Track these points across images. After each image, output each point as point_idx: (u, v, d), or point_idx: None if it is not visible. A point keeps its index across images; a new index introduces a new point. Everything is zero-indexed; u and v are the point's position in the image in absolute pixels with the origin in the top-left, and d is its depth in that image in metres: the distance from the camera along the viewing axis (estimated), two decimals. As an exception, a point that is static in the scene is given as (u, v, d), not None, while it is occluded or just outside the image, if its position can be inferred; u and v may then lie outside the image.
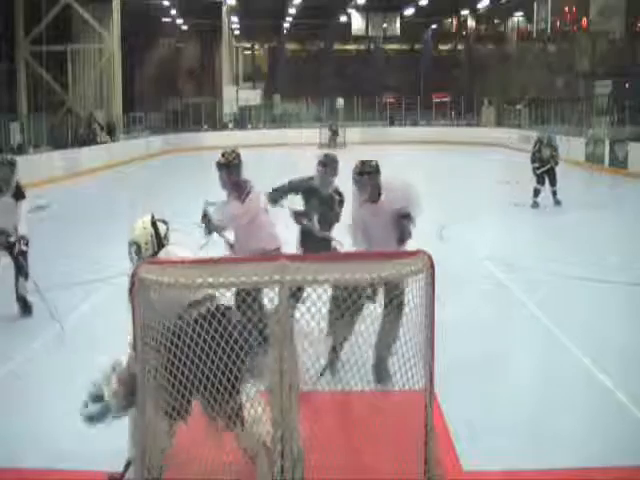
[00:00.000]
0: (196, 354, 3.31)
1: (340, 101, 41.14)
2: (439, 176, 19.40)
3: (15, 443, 4.57)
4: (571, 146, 23.73)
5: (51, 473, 4.26)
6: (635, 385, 5.25)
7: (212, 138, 33.95)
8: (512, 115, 37.09)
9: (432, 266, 3.34)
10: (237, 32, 45.25)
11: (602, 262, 9.24)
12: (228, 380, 3.32)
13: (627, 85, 31.67)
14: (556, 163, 14.15)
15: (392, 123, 38.84)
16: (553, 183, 14.24)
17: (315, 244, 6.45)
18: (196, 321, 3.44)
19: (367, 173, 5.47)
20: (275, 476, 3.19)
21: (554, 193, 14.23)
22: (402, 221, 5.44)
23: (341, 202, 6.67)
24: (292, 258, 3.12)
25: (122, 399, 3.69)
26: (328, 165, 6.64)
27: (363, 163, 5.55)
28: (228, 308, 3.58)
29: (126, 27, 30.14)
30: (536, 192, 14.20)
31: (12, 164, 7.52)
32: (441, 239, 10.76)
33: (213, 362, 3.29)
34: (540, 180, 14.23)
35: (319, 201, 6.72)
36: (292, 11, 41.57)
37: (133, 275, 3.26)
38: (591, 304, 7.48)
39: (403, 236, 5.45)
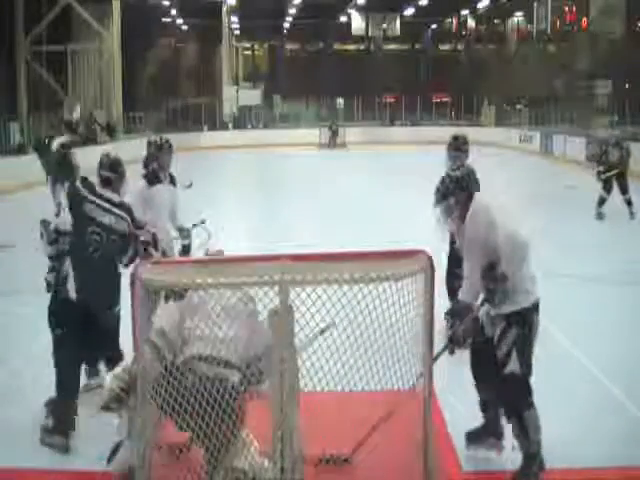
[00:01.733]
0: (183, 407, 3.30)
1: (340, 101, 41.14)
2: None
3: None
4: (571, 146, 23.77)
5: (51, 473, 4.26)
6: (635, 385, 5.26)
7: (212, 138, 33.96)
8: (512, 115, 37.09)
9: (432, 266, 3.35)
10: (237, 32, 45.27)
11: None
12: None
13: (627, 85, 31.70)
14: (625, 168, 12.56)
15: (392, 123, 38.86)
16: (625, 190, 12.57)
17: None
18: (194, 383, 3.38)
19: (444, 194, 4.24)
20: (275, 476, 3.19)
21: (628, 202, 12.55)
22: (485, 277, 4.00)
23: (474, 182, 6.11)
24: (292, 258, 3.12)
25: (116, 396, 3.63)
26: (458, 147, 6.33)
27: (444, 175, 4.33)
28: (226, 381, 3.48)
29: (126, 27, 30.14)
30: (602, 201, 12.59)
31: (171, 146, 6.54)
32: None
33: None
34: (607, 186, 12.55)
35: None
36: (292, 11, 41.58)
37: (133, 275, 3.26)
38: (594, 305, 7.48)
39: (486, 295, 4.04)
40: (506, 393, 4.08)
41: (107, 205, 4.70)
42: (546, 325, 6.72)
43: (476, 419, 4.44)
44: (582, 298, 7.74)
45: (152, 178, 6.33)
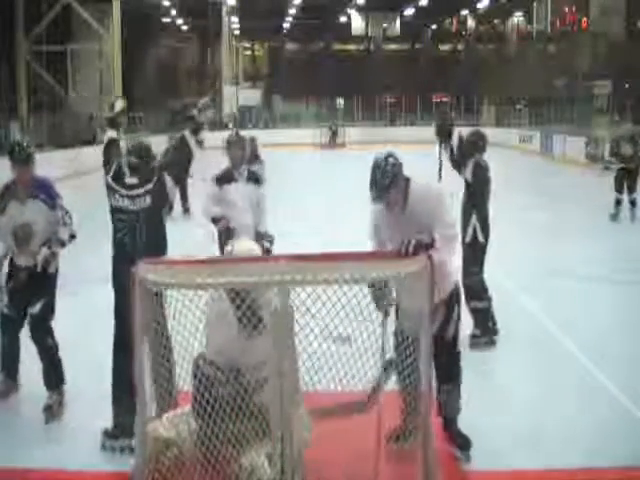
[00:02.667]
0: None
1: (340, 101, 41.17)
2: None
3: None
4: (571, 146, 23.78)
5: (55, 473, 4.25)
6: (635, 384, 5.25)
7: (212, 138, 33.97)
8: (512, 115, 37.09)
9: (432, 266, 3.34)
10: (237, 32, 45.29)
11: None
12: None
13: (627, 85, 31.70)
14: (635, 165, 11.89)
15: (392, 123, 38.87)
16: (631, 189, 12.01)
17: None
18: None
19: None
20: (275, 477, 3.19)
21: (632, 203, 12.05)
22: None
23: (486, 178, 6.22)
24: (292, 258, 3.12)
25: None
26: (474, 142, 6.42)
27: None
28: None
29: (126, 27, 30.14)
30: (617, 201, 12.06)
31: (241, 140, 6.05)
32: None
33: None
34: (617, 186, 12.00)
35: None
36: (292, 11, 41.60)
37: (133, 275, 3.26)
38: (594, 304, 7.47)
39: None
40: (456, 367, 4.22)
41: (127, 191, 4.62)
42: (548, 325, 6.76)
43: (475, 417, 4.44)
44: (584, 299, 7.73)
45: (221, 178, 6.01)
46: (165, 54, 43.16)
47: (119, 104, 5.26)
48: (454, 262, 4.20)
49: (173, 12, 38.85)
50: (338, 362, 3.38)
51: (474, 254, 6.06)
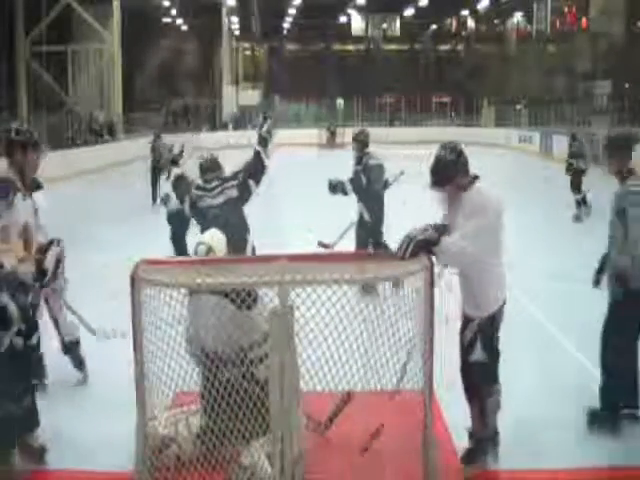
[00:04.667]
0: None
1: (340, 101, 41.16)
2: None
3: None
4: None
5: (55, 473, 4.24)
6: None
7: (212, 138, 34.00)
8: (512, 115, 37.08)
9: (431, 266, 3.34)
10: (237, 32, 45.28)
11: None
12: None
13: (627, 85, 31.70)
14: (568, 168, 12.31)
15: (392, 123, 38.85)
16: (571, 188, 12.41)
17: None
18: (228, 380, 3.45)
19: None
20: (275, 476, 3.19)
21: (583, 201, 12.28)
22: None
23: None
24: (292, 258, 3.12)
25: None
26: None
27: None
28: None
29: (126, 27, 30.14)
30: (577, 201, 12.35)
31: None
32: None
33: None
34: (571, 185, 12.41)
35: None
36: (292, 11, 41.60)
37: (133, 275, 3.26)
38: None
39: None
40: (470, 379, 3.98)
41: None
42: (549, 327, 6.76)
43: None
44: (582, 300, 7.72)
45: None
46: (165, 54, 43.15)
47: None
48: (494, 281, 4.02)
49: (173, 12, 38.83)
50: (338, 361, 3.38)
51: None
